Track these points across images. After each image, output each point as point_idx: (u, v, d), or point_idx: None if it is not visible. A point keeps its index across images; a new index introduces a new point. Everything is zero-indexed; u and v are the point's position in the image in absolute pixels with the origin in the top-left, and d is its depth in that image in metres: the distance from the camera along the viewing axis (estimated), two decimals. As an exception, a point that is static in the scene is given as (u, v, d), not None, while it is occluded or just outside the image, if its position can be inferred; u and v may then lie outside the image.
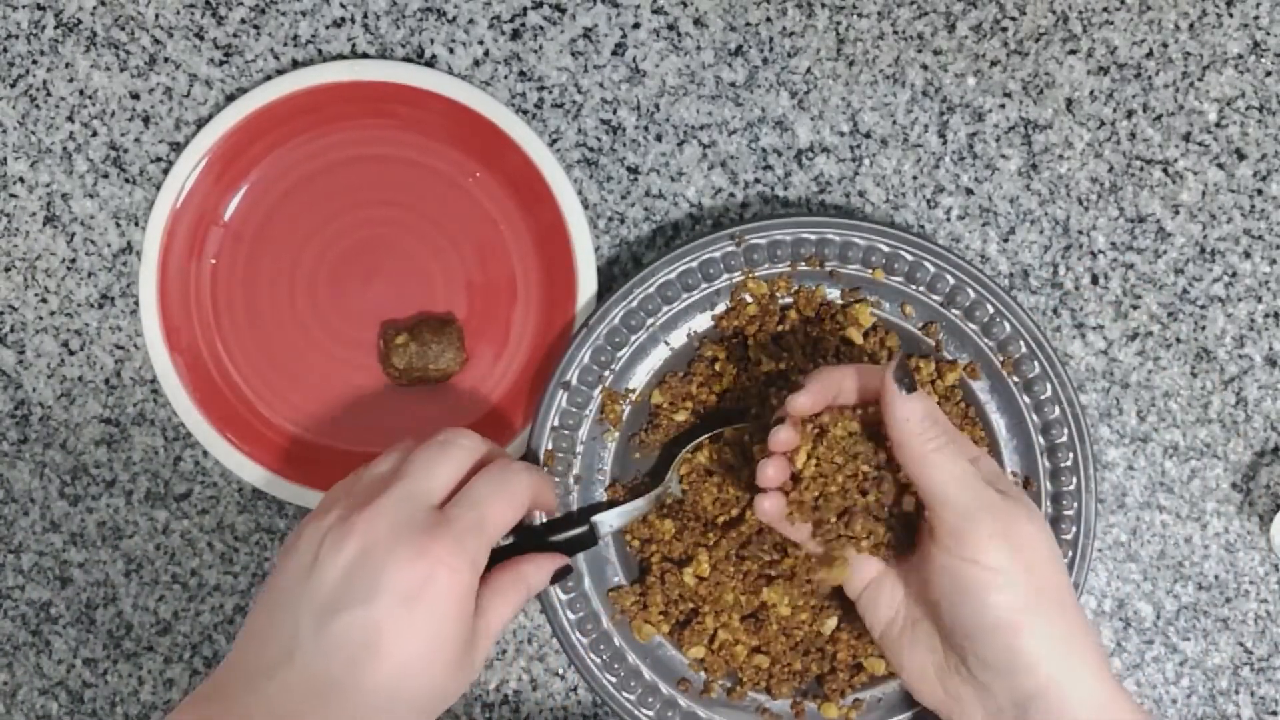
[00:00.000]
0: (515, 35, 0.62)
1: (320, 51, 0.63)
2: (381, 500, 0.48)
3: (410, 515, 0.48)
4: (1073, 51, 0.63)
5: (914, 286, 0.59)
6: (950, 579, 0.48)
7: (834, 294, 0.60)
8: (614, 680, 0.59)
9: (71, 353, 0.64)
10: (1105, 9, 0.62)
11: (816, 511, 0.50)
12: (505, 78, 0.63)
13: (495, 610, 0.51)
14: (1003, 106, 0.63)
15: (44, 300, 0.64)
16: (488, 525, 0.49)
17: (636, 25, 0.62)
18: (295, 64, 0.63)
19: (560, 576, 0.56)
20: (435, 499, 0.50)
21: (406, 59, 0.63)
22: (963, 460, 0.48)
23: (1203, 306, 0.63)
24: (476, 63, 0.63)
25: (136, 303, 0.63)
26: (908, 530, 0.52)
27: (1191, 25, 0.63)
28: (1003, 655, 0.47)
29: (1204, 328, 0.63)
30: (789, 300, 0.60)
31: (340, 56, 0.63)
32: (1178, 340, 0.63)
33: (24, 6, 0.63)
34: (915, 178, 0.63)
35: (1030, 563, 0.47)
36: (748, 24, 0.62)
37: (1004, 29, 0.62)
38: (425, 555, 0.47)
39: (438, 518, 0.48)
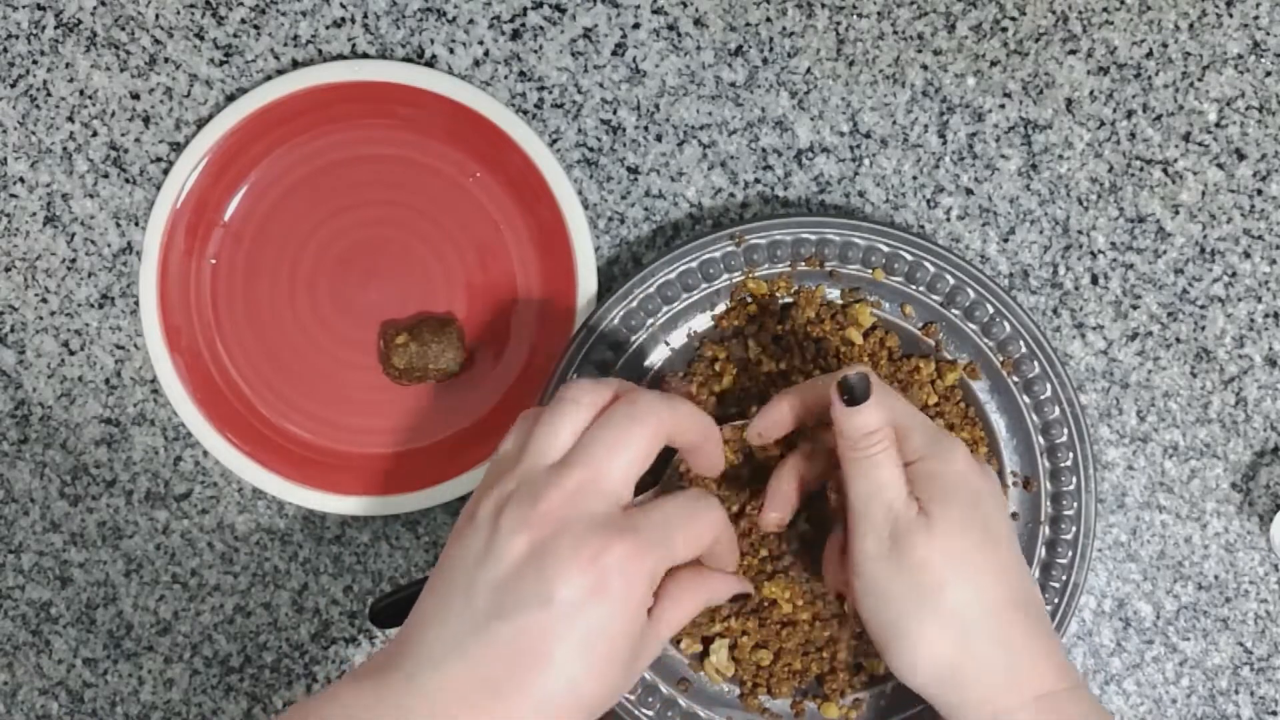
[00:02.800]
0: (515, 35, 0.62)
1: (320, 51, 0.63)
2: (558, 490, 0.44)
3: (591, 514, 0.44)
4: (1073, 52, 0.63)
5: (914, 286, 0.59)
6: (851, 591, 0.49)
7: (834, 294, 0.60)
8: (614, 680, 0.59)
9: (72, 353, 0.64)
10: (1105, 9, 0.62)
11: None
12: (505, 78, 0.63)
13: (669, 614, 0.48)
14: (1003, 107, 0.63)
15: (44, 300, 0.64)
16: (674, 543, 0.46)
17: (636, 25, 0.62)
18: (295, 64, 0.63)
19: (741, 599, 0.52)
20: (620, 492, 0.45)
21: (406, 59, 0.63)
22: (881, 472, 0.48)
23: (1202, 306, 0.63)
24: (476, 63, 0.63)
25: (137, 303, 0.63)
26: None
27: (1191, 25, 0.63)
28: (898, 668, 0.48)
29: (1204, 328, 0.63)
30: (789, 300, 0.60)
31: (340, 57, 0.63)
32: (1177, 340, 0.63)
33: (24, 6, 0.63)
34: (915, 178, 0.63)
35: (919, 580, 0.47)
36: (748, 24, 0.62)
37: (1004, 29, 0.62)
38: (600, 561, 0.43)
39: (621, 521, 0.44)
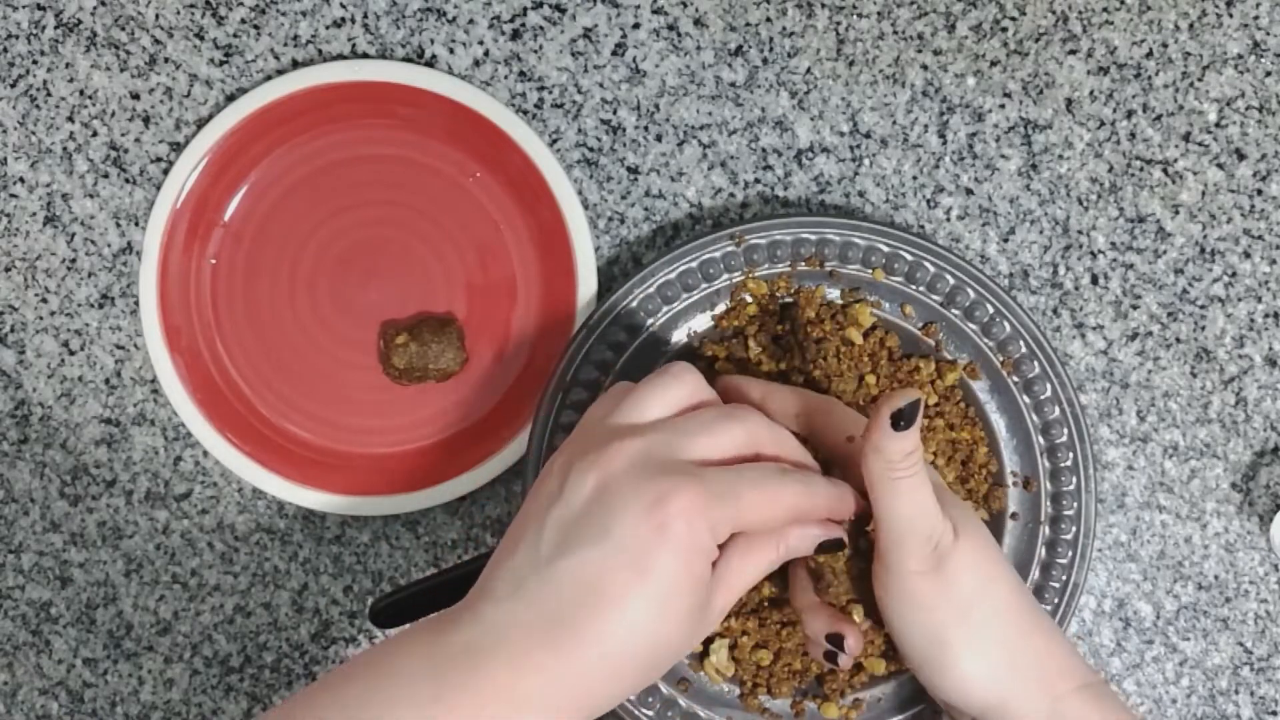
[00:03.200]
0: (515, 35, 0.62)
1: (320, 51, 0.63)
2: (635, 439, 0.45)
3: (662, 460, 0.45)
4: (1073, 52, 0.63)
5: (914, 286, 0.59)
6: (887, 615, 0.50)
7: (834, 294, 0.60)
8: (614, 680, 0.59)
9: (72, 353, 0.64)
10: (1105, 9, 0.62)
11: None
12: (505, 78, 0.63)
13: (739, 567, 0.47)
14: (1002, 107, 0.63)
15: (44, 300, 0.64)
16: (740, 502, 0.45)
17: (636, 25, 0.62)
18: (295, 64, 0.63)
19: (830, 548, 0.49)
20: (692, 455, 0.46)
21: (406, 59, 0.63)
22: (919, 495, 0.48)
23: (1202, 306, 0.63)
24: (476, 63, 0.63)
25: (136, 303, 0.63)
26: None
27: (1191, 25, 0.63)
28: (940, 688, 0.49)
29: (1204, 328, 0.63)
30: (789, 300, 0.60)
31: (340, 56, 0.63)
32: (1177, 340, 0.63)
33: (24, 6, 0.63)
34: (915, 178, 0.63)
35: (957, 598, 0.48)
36: (748, 24, 0.62)
37: (1004, 29, 0.62)
38: (663, 505, 0.43)
39: (689, 469, 0.45)
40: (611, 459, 0.45)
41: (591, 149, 0.63)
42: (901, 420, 0.47)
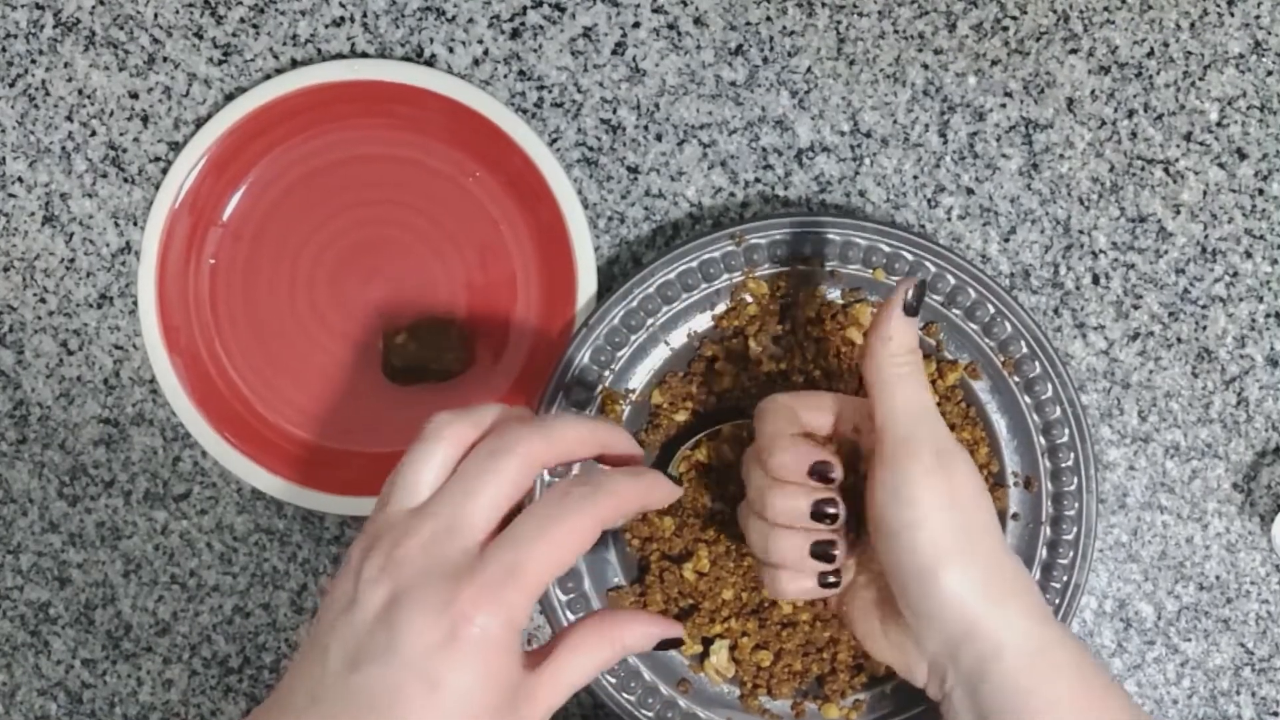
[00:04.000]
0: (515, 34, 0.62)
1: (319, 51, 0.63)
2: (415, 537, 0.43)
3: (441, 558, 0.43)
4: (1074, 51, 0.62)
5: (914, 286, 0.59)
6: (883, 521, 0.48)
7: (834, 294, 0.60)
8: (614, 681, 0.59)
9: (70, 353, 0.64)
10: (1106, 8, 0.62)
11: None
12: (505, 77, 0.62)
13: (567, 670, 0.45)
14: (1003, 106, 0.63)
15: (43, 300, 0.64)
16: (526, 573, 0.42)
17: (636, 24, 0.62)
18: (294, 63, 0.63)
19: (668, 646, 0.48)
20: (477, 534, 0.43)
21: (406, 58, 0.62)
22: (925, 393, 0.48)
23: (1204, 306, 0.63)
24: (476, 62, 0.62)
25: (135, 303, 0.63)
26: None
27: (1193, 24, 0.62)
28: (928, 599, 0.47)
29: (1205, 328, 0.63)
30: (789, 300, 0.60)
31: (339, 56, 0.63)
32: (1179, 340, 0.63)
33: (23, 6, 0.63)
34: (916, 177, 0.63)
35: (958, 503, 0.47)
36: (748, 23, 0.62)
37: (1005, 28, 0.62)
38: (449, 609, 0.41)
39: (469, 563, 0.42)
40: (398, 566, 0.43)
41: (591, 148, 0.63)
42: (911, 304, 0.48)
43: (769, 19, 0.62)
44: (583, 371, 0.59)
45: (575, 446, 0.46)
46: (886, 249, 0.59)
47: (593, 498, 0.44)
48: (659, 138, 0.63)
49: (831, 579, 0.50)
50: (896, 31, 0.62)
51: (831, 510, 0.49)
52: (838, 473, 0.49)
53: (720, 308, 0.60)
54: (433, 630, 0.41)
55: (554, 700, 0.44)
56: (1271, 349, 0.63)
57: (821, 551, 0.49)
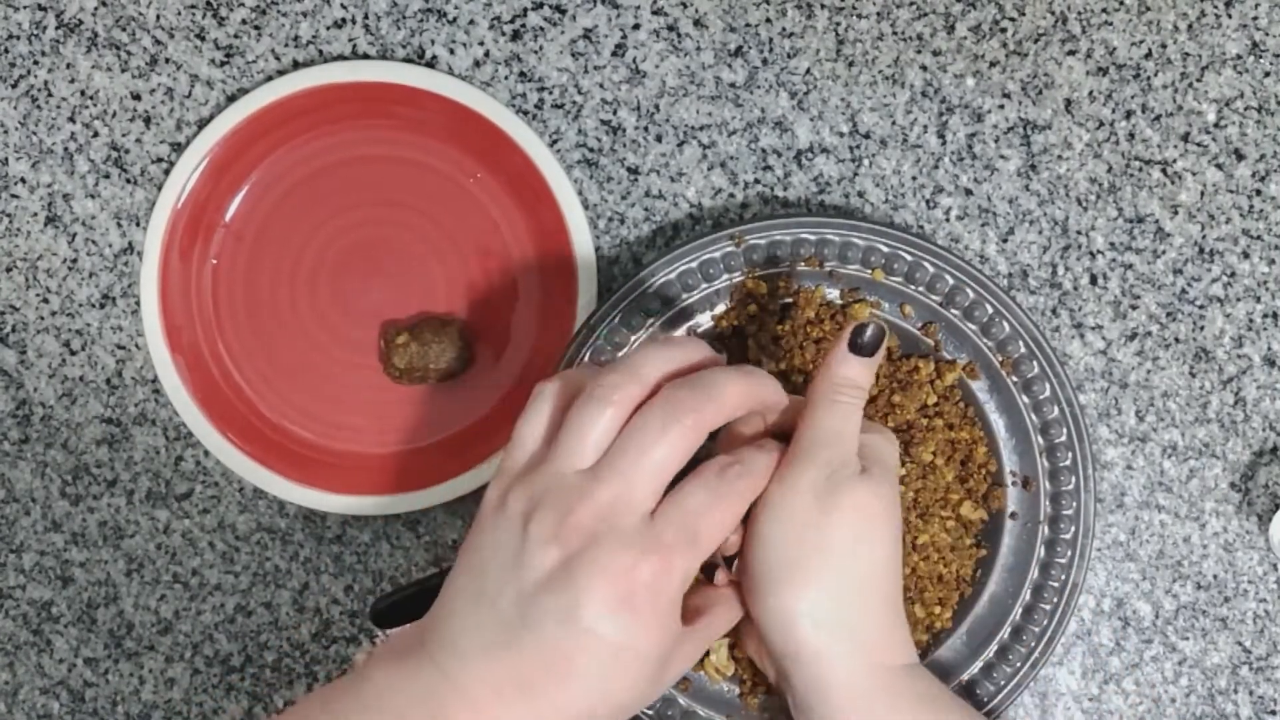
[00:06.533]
0: (516, 36, 0.63)
1: (321, 52, 0.63)
2: (589, 502, 0.44)
3: (617, 526, 0.44)
4: (1072, 52, 0.63)
5: (913, 287, 0.60)
6: (752, 522, 0.49)
7: (834, 294, 0.60)
8: (614, 679, 0.59)
9: (73, 353, 0.64)
10: (1104, 10, 0.63)
11: None
12: (506, 78, 0.63)
13: (713, 629, 0.49)
14: (1002, 107, 0.63)
15: (45, 300, 0.64)
16: (701, 540, 0.45)
17: (636, 26, 0.63)
18: (296, 65, 0.63)
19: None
20: (649, 503, 0.45)
21: (407, 60, 0.63)
22: (849, 425, 0.49)
23: (1201, 307, 0.63)
24: (477, 63, 0.63)
25: (138, 303, 0.63)
26: None
27: (1190, 26, 0.63)
28: (767, 611, 0.49)
29: (1202, 328, 0.63)
30: (789, 300, 0.60)
31: (341, 57, 0.63)
32: (1176, 340, 0.63)
33: (25, 7, 0.63)
34: (914, 178, 0.63)
35: (823, 527, 0.48)
36: (747, 25, 0.63)
37: (1003, 30, 0.63)
38: (629, 576, 0.44)
39: (648, 533, 0.45)
40: (573, 531, 0.44)
41: (592, 149, 0.63)
42: (862, 344, 0.49)
43: (768, 21, 0.62)
44: (583, 371, 0.59)
45: (738, 406, 0.47)
46: (885, 249, 0.59)
47: (749, 478, 0.47)
48: (659, 139, 0.63)
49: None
50: (895, 33, 0.62)
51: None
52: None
53: (720, 308, 0.60)
54: (611, 599, 0.43)
55: (696, 655, 0.48)
56: (1269, 349, 0.63)
57: None
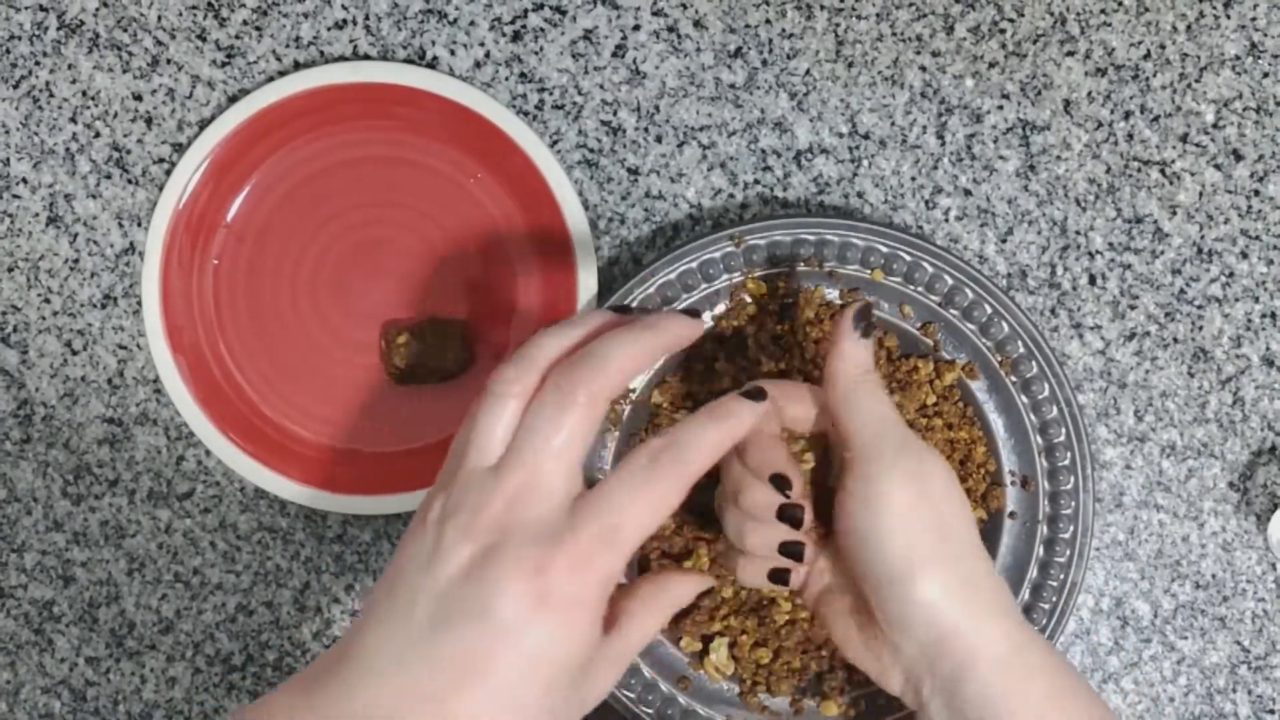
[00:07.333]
0: (516, 37, 0.63)
1: (322, 53, 0.63)
2: (498, 496, 0.43)
3: (529, 519, 0.43)
4: (1070, 53, 0.63)
5: (912, 287, 0.60)
6: (854, 530, 0.48)
7: (833, 294, 0.60)
8: (614, 678, 0.60)
9: (74, 353, 0.64)
10: (1103, 10, 0.63)
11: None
12: (506, 79, 0.63)
13: (633, 637, 0.46)
14: (1001, 108, 0.63)
15: (47, 300, 0.64)
16: (622, 536, 0.43)
17: (637, 27, 0.63)
18: (297, 65, 0.63)
19: (708, 594, 0.51)
20: (561, 492, 0.44)
21: (408, 61, 0.63)
22: (885, 403, 0.49)
23: (1200, 307, 0.63)
24: (478, 64, 0.63)
25: (139, 303, 0.64)
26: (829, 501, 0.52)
27: (1189, 27, 0.63)
28: (901, 608, 0.47)
29: (1201, 328, 0.63)
30: (789, 300, 0.60)
31: (342, 58, 0.63)
32: (1175, 340, 0.63)
33: (26, 8, 0.63)
34: (914, 179, 0.63)
35: (930, 507, 0.47)
36: (747, 26, 0.63)
37: (1002, 31, 0.63)
38: (544, 573, 0.42)
39: (563, 526, 0.43)
40: (484, 527, 0.43)
41: (592, 150, 0.63)
42: (862, 323, 0.49)
43: (768, 22, 0.63)
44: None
45: (630, 369, 0.46)
46: (884, 250, 0.59)
47: (682, 460, 0.44)
48: (659, 139, 0.63)
49: (783, 575, 0.51)
50: (894, 34, 0.63)
51: (798, 516, 0.49)
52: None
53: (720, 308, 0.60)
54: (526, 593, 0.42)
55: (622, 666, 0.46)
56: (1267, 349, 0.63)
57: (790, 551, 0.50)
